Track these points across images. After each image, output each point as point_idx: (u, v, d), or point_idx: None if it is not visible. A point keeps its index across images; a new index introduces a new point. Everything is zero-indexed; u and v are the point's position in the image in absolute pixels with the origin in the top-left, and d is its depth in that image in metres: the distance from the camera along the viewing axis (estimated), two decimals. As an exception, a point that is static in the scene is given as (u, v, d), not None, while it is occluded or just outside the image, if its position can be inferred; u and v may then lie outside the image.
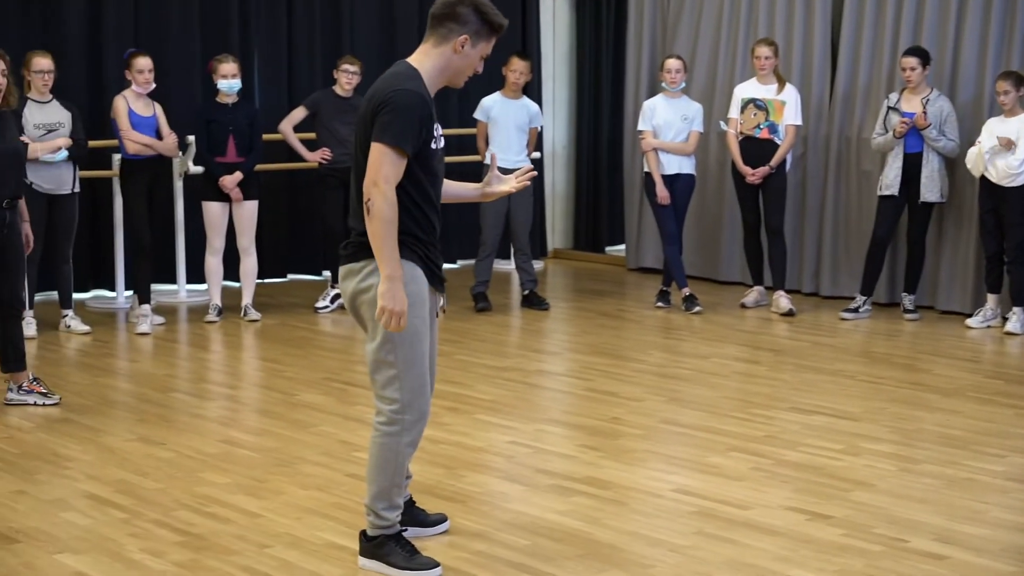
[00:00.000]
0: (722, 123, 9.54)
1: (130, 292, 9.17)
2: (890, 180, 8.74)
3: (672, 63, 9.18)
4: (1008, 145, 8.18)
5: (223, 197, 8.70)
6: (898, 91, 8.86)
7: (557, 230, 12.29)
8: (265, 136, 9.02)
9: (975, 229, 8.83)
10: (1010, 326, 8.40)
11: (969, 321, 8.68)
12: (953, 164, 8.82)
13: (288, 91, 10.37)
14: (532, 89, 10.33)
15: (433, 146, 4.13)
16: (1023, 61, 8.65)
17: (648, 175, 9.23)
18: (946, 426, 6.19)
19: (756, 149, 9.10)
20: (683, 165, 9.22)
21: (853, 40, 9.60)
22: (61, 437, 5.94)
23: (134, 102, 8.44)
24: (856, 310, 8.99)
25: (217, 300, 8.88)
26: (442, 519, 4.65)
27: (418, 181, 4.08)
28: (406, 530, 4.35)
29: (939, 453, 5.71)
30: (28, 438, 5.94)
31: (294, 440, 5.90)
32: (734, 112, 9.27)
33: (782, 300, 9.14)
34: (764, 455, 5.66)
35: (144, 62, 8.37)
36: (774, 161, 9.05)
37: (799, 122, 9.18)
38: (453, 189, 4.55)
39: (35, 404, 6.49)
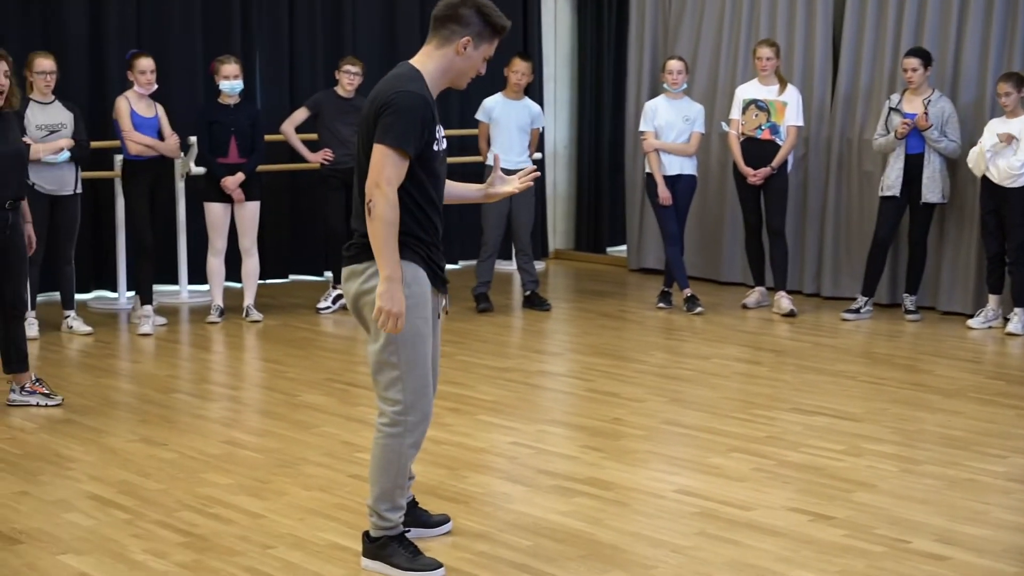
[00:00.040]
0: (723, 124, 9.54)
1: (132, 293, 9.18)
2: (891, 181, 8.75)
3: (674, 64, 9.19)
4: (1008, 140, 8.18)
5: (225, 198, 8.71)
6: (900, 92, 8.87)
7: (558, 231, 12.29)
8: (267, 137, 9.03)
9: (976, 230, 8.83)
10: (1011, 327, 8.41)
11: (970, 322, 8.69)
12: (954, 165, 8.83)
13: (290, 92, 10.38)
14: (533, 90, 10.34)
15: (435, 148, 4.14)
16: (1024, 62, 8.67)
17: (650, 176, 9.23)
18: (947, 427, 6.19)
19: (758, 150, 9.11)
20: (684, 166, 9.23)
21: (855, 41, 9.61)
22: (64, 438, 5.95)
23: (136, 103, 8.45)
24: (857, 311, 8.99)
25: (219, 301, 8.89)
26: (444, 520, 4.65)
27: (420, 182, 4.09)
28: (409, 531, 4.36)
29: (940, 454, 5.72)
30: (31, 439, 5.95)
31: (296, 441, 5.90)
32: (735, 113, 9.28)
33: (783, 301, 9.15)
34: (766, 456, 5.66)
35: (146, 63, 8.38)
36: (775, 162, 9.06)
37: (800, 123, 9.19)
38: (456, 190, 4.56)
39: (37, 405, 6.49)
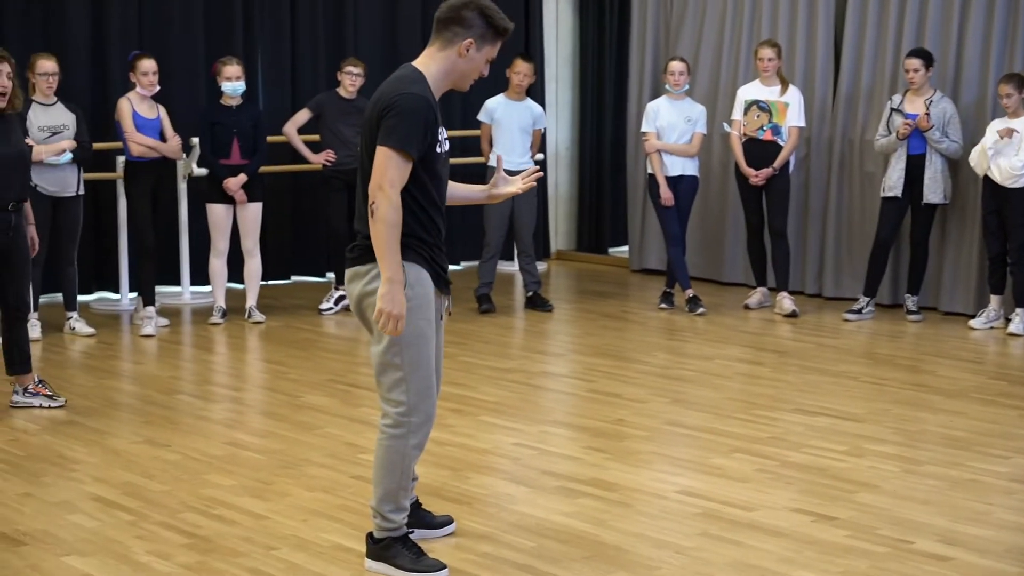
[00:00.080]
0: (725, 125, 9.55)
1: (134, 294, 9.18)
2: (893, 181, 8.76)
3: (675, 65, 9.19)
4: (1009, 134, 8.19)
5: (227, 199, 8.72)
6: (901, 93, 8.88)
7: (560, 231, 12.30)
8: (269, 138, 9.04)
9: (978, 230, 8.84)
10: (1013, 327, 8.41)
11: (972, 322, 8.69)
12: (956, 166, 8.83)
13: (292, 93, 10.39)
14: (535, 91, 10.35)
15: (438, 149, 4.15)
16: (1026, 62, 8.68)
17: (652, 177, 9.24)
18: (950, 427, 6.20)
19: (759, 151, 9.12)
20: (686, 167, 9.24)
21: (856, 41, 9.61)
22: (67, 439, 5.96)
23: (138, 104, 8.46)
24: (859, 311, 9.00)
25: (221, 302, 8.89)
26: (448, 521, 4.66)
27: (423, 184, 4.10)
28: (412, 532, 4.37)
29: (943, 454, 5.72)
30: (34, 440, 5.95)
31: (299, 442, 5.91)
32: (737, 114, 9.28)
33: (785, 301, 9.15)
34: (768, 456, 5.67)
35: (148, 64, 8.39)
36: (777, 163, 9.06)
37: (802, 124, 9.20)
38: (459, 191, 4.56)
39: (40, 406, 6.50)
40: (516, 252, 9.75)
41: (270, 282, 10.18)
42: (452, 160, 4.38)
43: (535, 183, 4.62)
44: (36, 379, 6.58)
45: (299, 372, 7.39)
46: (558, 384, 7.35)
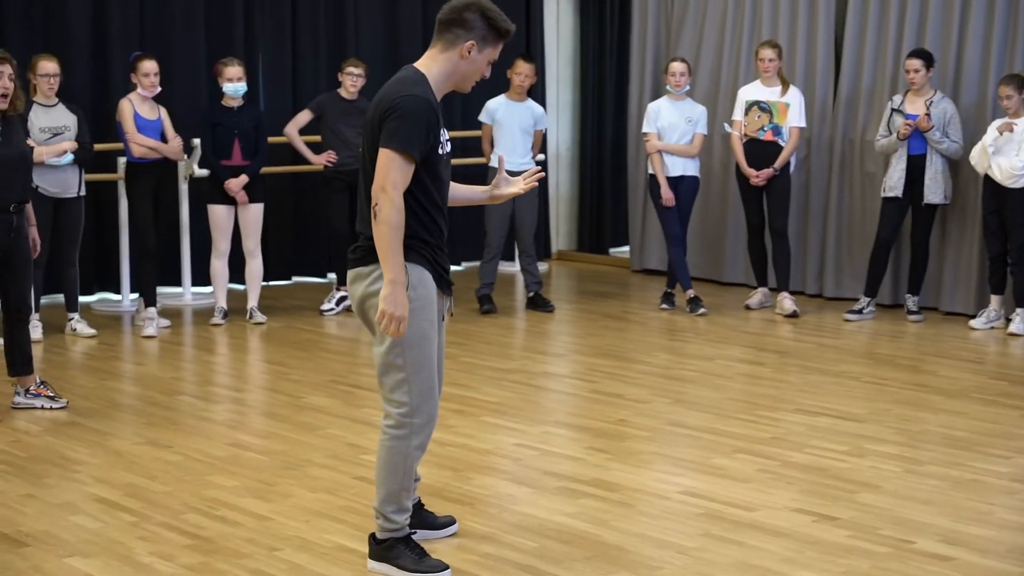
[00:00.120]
0: (726, 125, 9.56)
1: (135, 295, 9.18)
2: (894, 182, 8.76)
3: (676, 66, 9.20)
4: (1008, 128, 8.19)
5: (228, 200, 8.73)
6: (902, 93, 8.88)
7: (561, 232, 12.30)
8: (270, 139, 9.04)
9: (978, 230, 8.85)
10: (1013, 327, 8.41)
11: (972, 322, 8.70)
12: (957, 166, 8.84)
13: (293, 94, 10.39)
14: (536, 91, 10.35)
15: (440, 151, 4.16)
16: (1026, 63, 8.68)
17: (652, 177, 9.25)
18: (951, 427, 6.20)
19: (760, 151, 9.12)
20: (687, 167, 9.24)
21: (857, 42, 9.62)
22: (69, 440, 5.96)
23: (139, 105, 8.46)
24: (860, 311, 9.01)
25: (223, 303, 8.90)
26: (450, 521, 4.67)
27: (425, 186, 4.11)
28: (415, 533, 4.37)
29: (944, 454, 5.73)
30: (36, 441, 5.96)
31: (301, 443, 5.92)
32: (738, 114, 9.29)
33: (786, 301, 9.16)
34: (770, 457, 5.67)
35: (150, 65, 8.40)
36: (778, 163, 9.07)
37: (803, 124, 9.20)
38: (461, 192, 4.57)
39: (42, 408, 6.51)
40: (517, 252, 9.76)
41: (271, 283, 10.18)
42: (453, 161, 4.39)
43: (537, 183, 4.63)
44: (38, 380, 6.59)
45: (301, 373, 7.39)
46: (560, 384, 7.36)
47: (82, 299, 8.78)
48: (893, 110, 8.80)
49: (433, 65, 4.19)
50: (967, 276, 9.04)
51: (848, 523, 4.78)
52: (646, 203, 10.72)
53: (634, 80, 11.17)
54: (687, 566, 4.35)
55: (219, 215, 8.78)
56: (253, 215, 8.83)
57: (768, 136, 9.12)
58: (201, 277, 9.59)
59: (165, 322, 8.70)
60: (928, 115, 8.59)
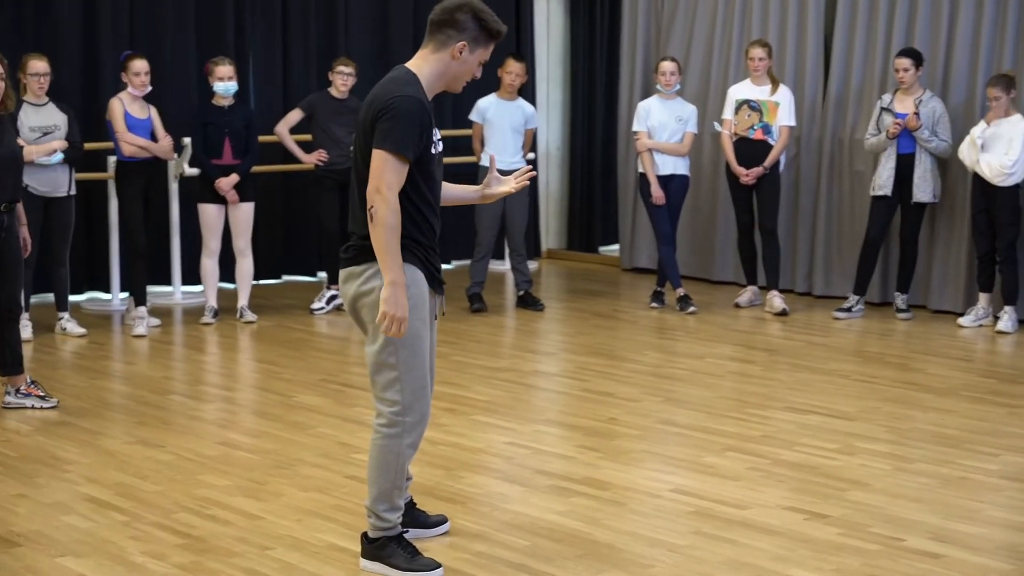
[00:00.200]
0: (716, 124, 9.58)
1: (125, 294, 9.18)
2: (883, 180, 8.79)
3: (666, 65, 9.22)
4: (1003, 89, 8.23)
5: (219, 199, 8.72)
6: (891, 92, 8.91)
7: (551, 230, 12.32)
8: (261, 138, 9.04)
9: (967, 229, 8.88)
10: (1001, 325, 8.45)
11: (961, 320, 8.73)
12: (945, 164, 8.87)
13: (283, 93, 10.39)
14: (526, 90, 10.36)
15: (432, 151, 4.17)
16: (1015, 62, 8.70)
17: (643, 176, 9.26)
18: (940, 425, 6.23)
19: (750, 150, 9.14)
20: (677, 166, 9.26)
21: (846, 41, 9.65)
22: (60, 440, 5.96)
23: (130, 104, 8.46)
24: (849, 309, 9.03)
25: (213, 302, 8.89)
26: (442, 520, 4.68)
27: (418, 186, 4.11)
28: (407, 532, 4.38)
29: (933, 452, 5.75)
30: (27, 441, 5.96)
31: (293, 442, 5.92)
32: (728, 113, 9.31)
33: (776, 300, 9.19)
34: (760, 455, 5.69)
35: (140, 64, 8.39)
36: (768, 162, 9.09)
37: (793, 123, 9.23)
38: (452, 191, 4.58)
39: (33, 407, 6.50)
40: (507, 251, 9.77)
41: (261, 282, 10.17)
42: (444, 160, 4.40)
43: (528, 182, 4.64)
44: (28, 380, 6.58)
45: (291, 372, 7.39)
46: (550, 383, 7.37)
47: (72, 298, 8.77)
48: (882, 109, 8.83)
49: (424, 65, 4.20)
50: (956, 274, 9.07)
51: (839, 521, 4.80)
52: (636, 202, 10.74)
53: (624, 79, 11.19)
54: (678, 564, 4.37)
55: (209, 214, 8.77)
56: (244, 214, 8.82)
57: (758, 135, 9.14)
58: (191, 276, 9.58)
59: (155, 321, 8.69)
60: (917, 114, 8.61)
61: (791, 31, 9.92)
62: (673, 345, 8.29)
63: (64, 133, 8.15)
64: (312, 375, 7.31)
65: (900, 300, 9.06)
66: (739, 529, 4.71)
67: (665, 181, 9.20)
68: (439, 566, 4.25)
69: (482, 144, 9.30)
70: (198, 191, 8.87)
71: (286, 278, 10.63)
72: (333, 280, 9.23)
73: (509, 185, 4.59)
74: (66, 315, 8.44)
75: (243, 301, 8.92)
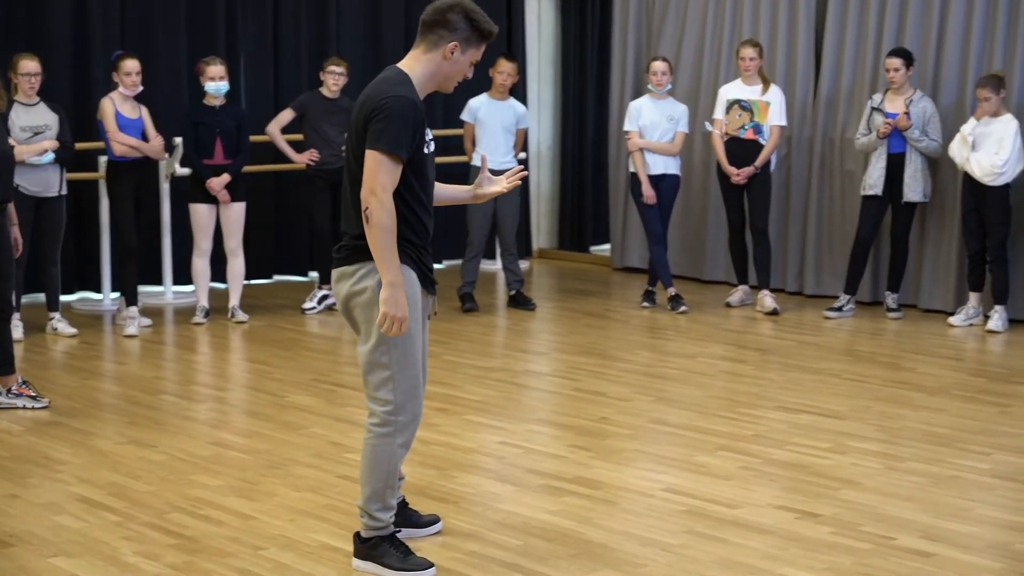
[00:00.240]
0: (707, 124, 9.59)
1: (117, 294, 9.17)
2: (873, 180, 8.81)
3: (658, 65, 9.23)
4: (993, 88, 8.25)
5: (210, 199, 8.72)
6: (882, 92, 8.93)
7: (542, 230, 12.32)
8: (252, 138, 9.03)
9: (957, 228, 8.90)
10: (992, 324, 8.48)
11: (952, 319, 8.76)
12: (936, 164, 8.90)
13: (275, 93, 10.38)
14: (517, 90, 10.37)
15: (425, 150, 4.18)
16: (1005, 62, 8.72)
17: (634, 175, 9.28)
18: (931, 424, 6.25)
19: (741, 150, 9.16)
20: (668, 165, 9.28)
21: (837, 41, 9.66)
22: (52, 440, 5.95)
23: (121, 104, 8.45)
24: (840, 309, 9.05)
25: (204, 302, 8.89)
26: (435, 520, 4.68)
27: (411, 185, 4.12)
28: (400, 531, 4.39)
29: (924, 451, 5.77)
30: (18, 441, 5.95)
31: (285, 442, 5.92)
32: (719, 113, 9.32)
33: (767, 299, 9.20)
34: (752, 454, 5.71)
35: (132, 64, 8.38)
36: (759, 161, 9.10)
37: (784, 123, 9.24)
38: (444, 191, 4.58)
39: (24, 407, 6.49)
40: (499, 251, 9.78)
41: (253, 282, 10.16)
42: (435, 160, 4.40)
43: (520, 182, 4.65)
44: (20, 380, 6.57)
45: (283, 372, 7.39)
46: (542, 383, 7.38)
47: (63, 298, 8.75)
48: (873, 109, 8.85)
49: (416, 65, 4.20)
50: (946, 273, 9.09)
51: (830, 520, 4.81)
52: (627, 201, 10.75)
53: (615, 79, 11.20)
54: (671, 563, 4.38)
55: (201, 214, 8.77)
56: (235, 214, 8.82)
57: (749, 135, 9.16)
58: (183, 276, 9.57)
59: (147, 321, 8.69)
60: (907, 114, 8.64)
61: (782, 31, 9.93)
62: (664, 344, 8.30)
63: (55, 133, 8.14)
64: (304, 375, 7.31)
65: (891, 299, 9.08)
66: (731, 528, 4.72)
67: (656, 181, 9.22)
68: (432, 566, 4.26)
69: (473, 144, 9.31)
70: (189, 191, 8.87)
71: (277, 278, 10.62)
72: (324, 280, 9.23)
73: (501, 185, 4.60)
74: (57, 315, 8.43)
75: (234, 301, 8.91)
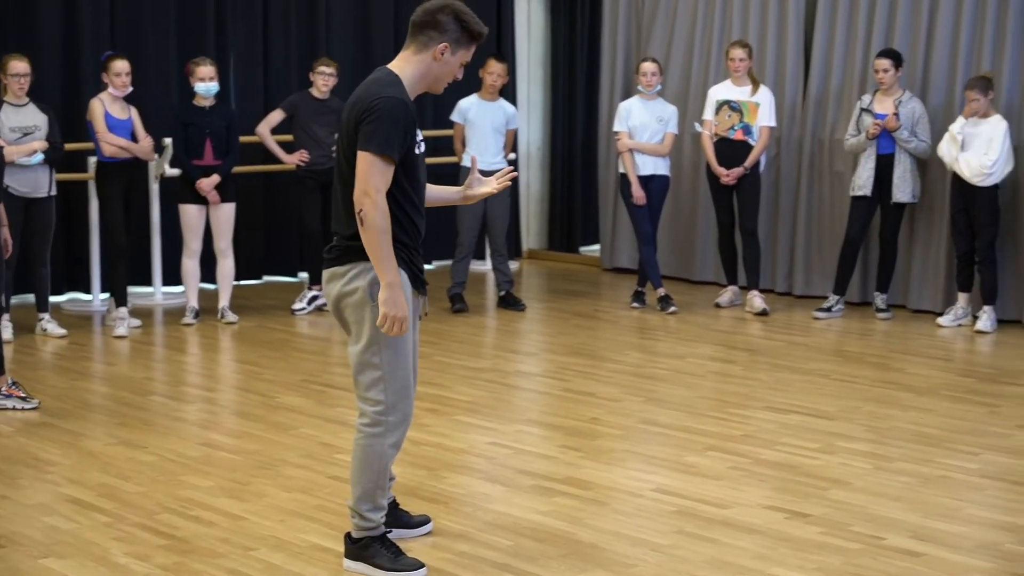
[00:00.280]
0: (696, 125, 9.60)
1: (106, 295, 9.16)
2: (862, 181, 8.83)
3: (647, 66, 9.24)
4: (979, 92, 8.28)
5: (200, 200, 8.71)
6: (871, 93, 8.95)
7: (532, 230, 12.33)
8: (242, 138, 9.03)
9: (946, 229, 8.93)
10: (980, 324, 8.50)
11: (940, 320, 8.78)
12: (925, 165, 8.92)
13: (264, 93, 10.38)
14: (507, 91, 10.37)
15: (416, 151, 4.18)
16: (993, 63, 8.75)
17: (624, 176, 9.29)
18: (920, 424, 6.27)
19: (730, 150, 9.17)
20: (658, 166, 9.29)
21: (826, 42, 9.69)
22: (41, 441, 5.95)
23: (110, 105, 8.44)
24: (829, 309, 9.07)
25: (194, 302, 8.88)
26: (425, 520, 4.69)
27: (403, 186, 4.13)
28: (391, 532, 4.39)
29: (913, 451, 5.79)
30: (8, 442, 5.94)
31: (275, 443, 5.92)
32: (708, 114, 9.34)
33: (756, 300, 9.22)
34: (742, 454, 5.72)
35: (122, 65, 8.37)
36: (748, 162, 9.12)
37: (773, 123, 9.26)
38: (434, 192, 4.59)
39: (14, 408, 6.48)
40: (488, 252, 9.78)
41: (242, 282, 10.15)
42: (426, 160, 4.41)
43: (510, 183, 4.66)
44: (9, 381, 6.56)
45: (273, 372, 7.39)
46: (532, 383, 7.39)
47: (53, 299, 8.73)
48: (862, 110, 8.87)
49: (407, 67, 4.21)
50: (935, 274, 9.12)
51: (820, 520, 4.82)
52: (617, 202, 10.76)
53: (605, 79, 11.21)
54: (661, 563, 4.39)
55: (190, 215, 8.76)
56: (224, 215, 8.81)
57: (738, 135, 9.18)
58: (172, 277, 9.57)
59: (136, 322, 8.67)
60: (897, 115, 8.66)
61: (771, 32, 9.95)
62: (654, 345, 8.31)
63: (45, 134, 8.13)
64: (294, 375, 7.31)
65: (880, 300, 9.10)
66: (721, 528, 4.73)
67: (646, 181, 9.23)
68: (422, 566, 4.27)
69: (463, 145, 9.31)
70: (179, 192, 8.86)
71: (267, 278, 10.61)
72: (314, 280, 9.22)
73: (491, 186, 4.61)
74: (47, 316, 8.41)
75: (224, 302, 8.90)
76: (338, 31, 10.77)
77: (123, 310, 8.49)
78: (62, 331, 8.36)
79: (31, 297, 8.54)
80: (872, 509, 4.95)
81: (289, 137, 9.23)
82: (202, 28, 10.05)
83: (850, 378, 7.27)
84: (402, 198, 4.13)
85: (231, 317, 8.82)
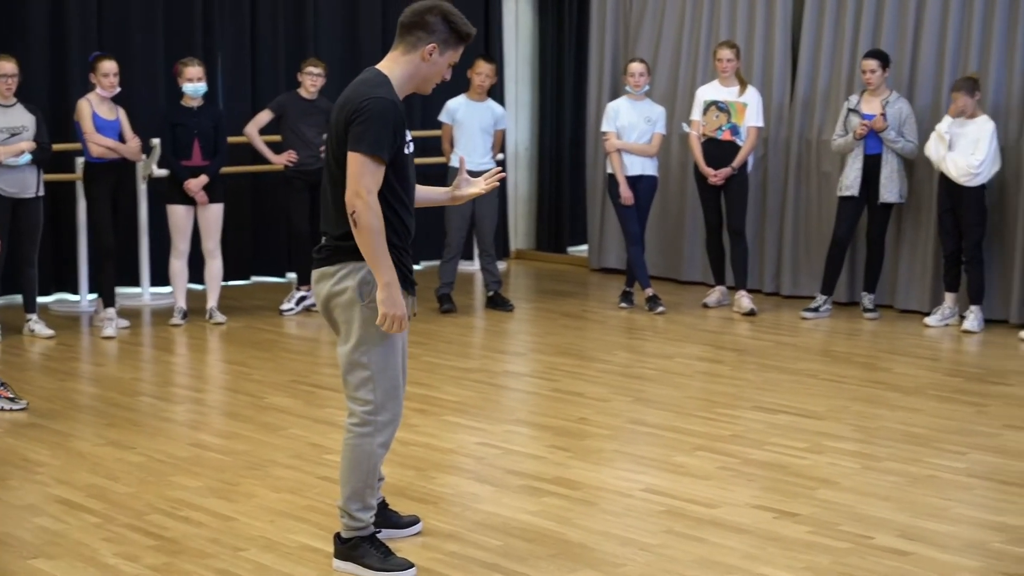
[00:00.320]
0: (684, 125, 9.62)
1: (94, 296, 9.14)
2: (850, 181, 8.86)
3: (635, 67, 9.25)
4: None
5: (188, 200, 8.70)
6: (858, 93, 8.98)
7: (519, 231, 12.33)
8: (230, 139, 9.02)
9: (933, 229, 8.95)
10: (968, 324, 8.53)
11: (927, 320, 8.81)
12: (912, 165, 8.95)
13: (252, 94, 10.37)
14: (495, 91, 10.38)
15: (405, 151, 4.19)
16: (980, 64, 8.78)
17: (612, 176, 9.30)
18: (907, 424, 6.29)
19: (718, 151, 9.19)
20: (646, 166, 9.30)
21: (813, 43, 9.71)
22: (30, 442, 5.94)
23: (98, 105, 8.42)
24: (816, 309, 9.09)
25: (182, 303, 8.87)
26: (415, 521, 4.69)
27: (392, 187, 4.13)
28: (380, 532, 4.39)
29: (901, 451, 5.81)
30: (-4, 443, 5.94)
31: (264, 443, 5.92)
32: (696, 114, 9.36)
33: (743, 300, 9.24)
34: (730, 454, 5.73)
35: (109, 65, 8.36)
36: (736, 162, 9.14)
37: (760, 124, 9.28)
38: (423, 193, 4.60)
39: (2, 409, 6.47)
40: (477, 252, 9.78)
41: (230, 283, 10.15)
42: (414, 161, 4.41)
43: (498, 184, 4.67)
44: (-2, 382, 6.56)
45: (262, 373, 7.39)
46: (520, 383, 7.39)
47: (40, 300, 8.71)
48: (849, 110, 8.89)
49: (395, 67, 4.21)
50: (922, 274, 9.15)
51: (808, 519, 4.84)
52: (604, 202, 10.77)
53: (593, 80, 11.22)
54: (650, 563, 4.40)
55: (178, 215, 8.75)
56: (213, 215, 8.81)
57: (726, 136, 9.19)
58: (160, 277, 9.56)
59: (124, 322, 8.66)
60: (884, 115, 8.69)
61: (759, 32, 9.97)
62: (642, 345, 8.32)
63: (32, 134, 8.12)
64: (282, 376, 7.30)
65: (867, 300, 9.13)
66: (709, 528, 4.74)
67: (634, 182, 9.24)
68: (412, 566, 4.27)
69: (451, 145, 9.32)
70: (167, 192, 8.85)
71: (255, 279, 10.60)
72: (302, 281, 9.22)
73: (479, 186, 4.62)
74: (34, 316, 8.40)
75: (212, 302, 8.90)
76: (326, 31, 10.77)
77: (111, 311, 8.48)
78: (50, 332, 8.35)
79: (19, 298, 8.53)
80: (860, 508, 4.97)
81: (277, 137, 9.22)
82: (190, 28, 10.04)
83: (838, 378, 7.29)
84: (392, 198, 4.13)
85: (219, 318, 8.81)
